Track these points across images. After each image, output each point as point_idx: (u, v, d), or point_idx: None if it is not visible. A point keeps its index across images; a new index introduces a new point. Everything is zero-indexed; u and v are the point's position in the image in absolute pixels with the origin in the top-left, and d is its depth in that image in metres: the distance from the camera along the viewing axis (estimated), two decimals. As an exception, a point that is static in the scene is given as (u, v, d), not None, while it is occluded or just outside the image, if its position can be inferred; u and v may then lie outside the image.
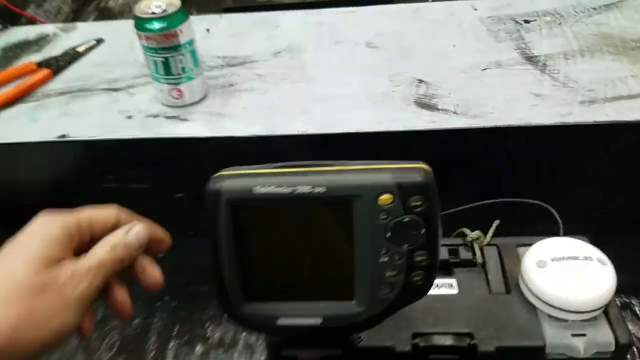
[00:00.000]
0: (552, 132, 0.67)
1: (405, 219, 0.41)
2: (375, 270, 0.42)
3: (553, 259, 0.53)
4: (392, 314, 0.45)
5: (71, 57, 0.87)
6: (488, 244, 0.61)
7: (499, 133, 0.67)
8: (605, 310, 0.52)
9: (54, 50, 0.90)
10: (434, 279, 0.44)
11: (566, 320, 0.51)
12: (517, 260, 0.58)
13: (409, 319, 0.53)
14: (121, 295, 0.40)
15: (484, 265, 0.59)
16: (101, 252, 0.36)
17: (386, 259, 0.42)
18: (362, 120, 0.71)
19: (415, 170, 0.40)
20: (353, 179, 0.41)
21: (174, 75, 0.72)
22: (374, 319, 0.45)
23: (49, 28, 0.98)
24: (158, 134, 0.72)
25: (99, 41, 0.92)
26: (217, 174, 0.42)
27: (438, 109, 0.70)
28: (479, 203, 0.67)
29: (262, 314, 0.45)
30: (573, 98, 0.69)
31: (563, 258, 0.53)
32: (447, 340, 0.51)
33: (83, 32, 0.96)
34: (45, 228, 0.36)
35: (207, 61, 0.84)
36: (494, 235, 0.62)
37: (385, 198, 0.40)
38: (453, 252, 0.61)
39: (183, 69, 0.72)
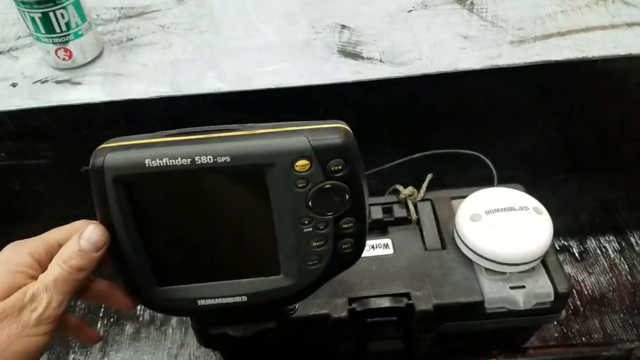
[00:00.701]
0: (482, 76, 0.62)
1: (327, 186, 0.37)
2: (300, 242, 0.38)
3: (487, 212, 0.51)
4: (324, 284, 0.41)
5: (-60, 16, 0.74)
6: (422, 200, 0.59)
7: (427, 81, 0.62)
8: (543, 260, 0.51)
9: None
10: (364, 245, 0.40)
11: (504, 273, 0.50)
12: (452, 213, 0.55)
13: (344, 284, 0.51)
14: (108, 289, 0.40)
15: (418, 222, 0.57)
16: (55, 268, 0.35)
17: (310, 229, 0.38)
18: (281, 73, 0.64)
19: (332, 130, 0.36)
20: (262, 145, 0.35)
21: (57, 33, 0.62)
22: (304, 291, 0.41)
23: None
24: (48, 102, 0.63)
25: None
26: (100, 146, 0.36)
27: (363, 58, 0.64)
28: (410, 157, 0.63)
29: (179, 297, 0.40)
30: (502, 38, 0.65)
31: (498, 210, 0.51)
32: (384, 302, 0.50)
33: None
34: (10, 258, 0.35)
35: (100, 14, 0.74)
36: (428, 189, 0.59)
37: (302, 164, 0.36)
38: (387, 210, 0.58)
39: (67, 25, 0.62)
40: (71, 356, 0.69)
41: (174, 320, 0.71)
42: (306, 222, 0.38)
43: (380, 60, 0.64)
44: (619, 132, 0.71)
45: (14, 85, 0.65)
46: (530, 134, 0.70)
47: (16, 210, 0.76)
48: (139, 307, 0.71)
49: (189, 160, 0.34)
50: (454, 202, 0.57)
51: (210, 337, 0.48)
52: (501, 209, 0.51)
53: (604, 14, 0.67)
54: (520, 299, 0.49)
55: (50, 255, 0.36)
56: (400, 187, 0.59)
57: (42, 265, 0.36)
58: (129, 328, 0.71)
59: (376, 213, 0.57)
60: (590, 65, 0.62)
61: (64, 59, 0.64)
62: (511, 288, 0.49)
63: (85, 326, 0.42)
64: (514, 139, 0.70)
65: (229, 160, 0.35)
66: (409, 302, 0.49)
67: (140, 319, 0.72)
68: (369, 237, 0.54)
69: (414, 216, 0.57)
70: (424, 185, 0.60)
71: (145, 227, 0.37)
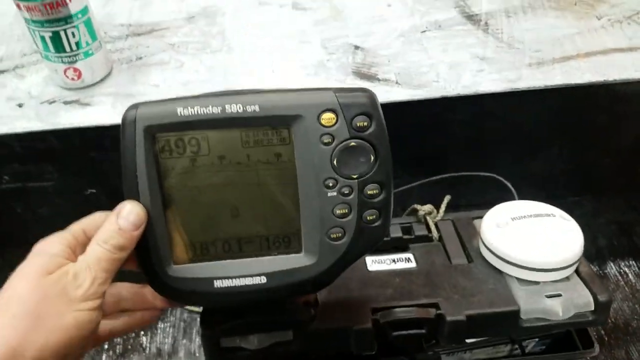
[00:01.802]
0: (501, 98, 0.60)
1: (352, 144, 0.36)
2: (324, 209, 0.37)
3: (514, 219, 0.48)
4: (347, 267, 0.38)
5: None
6: (442, 220, 0.56)
7: (445, 103, 0.60)
8: (577, 269, 0.47)
9: None
10: (390, 219, 0.38)
11: (537, 283, 0.46)
12: (475, 232, 0.52)
13: (365, 296, 0.47)
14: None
15: (440, 239, 0.54)
16: (96, 248, 0.35)
17: (334, 193, 0.36)
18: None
19: (359, 90, 0.37)
20: (291, 97, 0.36)
21: (67, 52, 0.59)
22: (327, 273, 0.38)
23: None
24: (56, 124, 0.60)
25: None
26: (133, 104, 0.36)
27: (378, 80, 0.63)
28: (427, 180, 0.61)
29: (195, 277, 0.37)
30: (520, 60, 0.64)
31: (524, 216, 0.48)
32: (411, 313, 0.45)
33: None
34: (43, 248, 0.35)
35: (108, 31, 0.71)
36: (446, 211, 0.57)
37: (328, 117, 0.36)
38: (406, 230, 0.55)
39: (78, 44, 0.59)
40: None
41: (181, 353, 0.68)
42: (330, 185, 0.37)
43: (397, 82, 0.62)
44: (635, 153, 0.70)
45: (20, 105, 0.63)
46: (546, 156, 0.69)
47: (18, 234, 0.73)
48: (144, 340, 0.69)
49: (219, 108, 0.35)
50: (476, 221, 0.54)
51: (221, 350, 0.44)
52: (528, 215, 0.48)
53: (621, 36, 0.66)
54: (559, 308, 0.45)
55: (77, 240, 0.36)
56: (418, 206, 0.57)
57: (73, 249, 0.36)
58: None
59: (395, 232, 0.54)
60: (610, 88, 0.60)
61: (72, 79, 0.62)
62: (547, 297, 0.45)
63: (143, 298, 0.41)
64: (530, 161, 0.69)
65: (258, 109, 0.35)
66: (439, 312, 0.45)
67: (147, 351, 0.69)
68: (389, 252, 0.52)
69: (435, 234, 0.54)
70: (443, 204, 0.58)
71: (168, 193, 0.36)
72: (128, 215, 0.35)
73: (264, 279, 0.37)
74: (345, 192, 0.37)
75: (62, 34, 0.58)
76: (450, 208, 0.59)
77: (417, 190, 0.61)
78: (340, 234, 0.37)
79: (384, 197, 0.37)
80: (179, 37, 0.70)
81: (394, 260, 0.51)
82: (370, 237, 0.38)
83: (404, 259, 0.51)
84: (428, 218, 0.56)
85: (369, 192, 0.37)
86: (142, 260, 0.37)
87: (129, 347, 0.69)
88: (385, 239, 0.53)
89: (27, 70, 0.67)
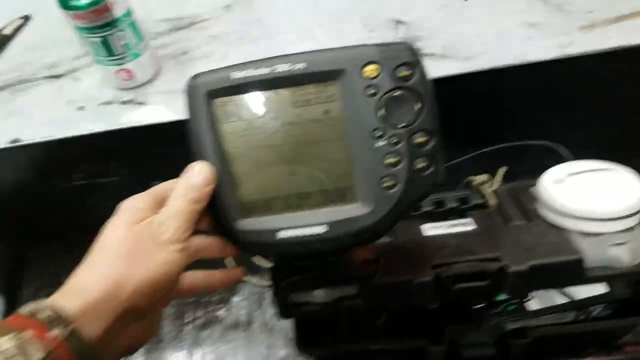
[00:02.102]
0: (552, 66, 0.58)
1: (396, 93, 0.38)
2: (375, 159, 0.39)
3: (571, 174, 0.47)
4: (403, 215, 0.40)
5: (-1, 42, 0.75)
6: (497, 189, 0.56)
7: (494, 74, 0.59)
8: None
9: (-24, 36, 0.77)
10: (442, 165, 0.39)
11: (601, 234, 0.45)
12: (532, 197, 0.52)
13: (425, 255, 0.47)
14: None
15: (497, 205, 0.54)
16: (174, 202, 0.39)
17: (383, 143, 0.38)
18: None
19: (398, 43, 0.38)
20: (334, 53, 0.38)
21: (117, 55, 0.61)
22: (383, 221, 0.39)
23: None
24: (116, 125, 0.63)
25: (26, 18, 0.78)
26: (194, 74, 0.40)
27: (424, 54, 0.61)
28: (480, 151, 0.61)
29: (260, 229, 0.40)
30: (572, 24, 0.61)
31: (582, 172, 0.47)
32: (472, 267, 0.45)
33: (4, 9, 0.82)
34: (129, 203, 0.40)
35: (150, 27, 0.73)
36: (502, 182, 0.57)
37: (371, 69, 0.38)
38: (462, 200, 0.55)
39: (126, 46, 0.61)
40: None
41: (256, 324, 0.72)
42: (378, 135, 0.38)
43: (443, 56, 0.61)
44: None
45: (81, 108, 0.66)
46: (603, 121, 0.67)
47: (91, 226, 0.77)
48: (222, 312, 0.73)
49: (269, 69, 0.38)
50: (533, 189, 0.53)
51: (291, 305, 0.47)
52: (585, 170, 0.47)
53: (680, -11, 0.63)
54: (625, 255, 0.44)
55: (157, 198, 0.41)
56: (472, 177, 0.58)
57: (154, 204, 0.40)
58: (217, 330, 0.72)
59: (451, 203, 0.55)
60: (669, 47, 0.57)
61: (125, 80, 0.65)
62: (611, 245, 0.44)
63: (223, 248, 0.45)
64: (586, 127, 0.67)
65: (305, 66, 0.38)
66: (501, 264, 0.45)
67: (226, 322, 0.73)
68: (445, 220, 0.53)
69: (492, 201, 0.54)
70: (498, 175, 0.58)
71: (230, 150, 0.40)
72: (198, 173, 0.39)
73: (323, 229, 0.40)
74: (394, 141, 0.38)
75: (110, 38, 0.60)
76: (506, 179, 0.59)
77: (471, 163, 0.62)
78: (392, 183, 0.39)
79: (433, 144, 0.38)
80: (219, 28, 0.71)
81: (451, 226, 0.51)
82: (423, 184, 0.39)
83: (460, 223, 0.52)
84: (483, 187, 0.56)
85: (418, 141, 0.38)
86: (214, 216, 0.41)
87: (210, 319, 0.74)
88: (440, 209, 0.54)
89: (82, 73, 0.70)
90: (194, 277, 0.45)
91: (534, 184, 0.52)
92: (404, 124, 0.38)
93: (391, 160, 0.38)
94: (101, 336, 0.35)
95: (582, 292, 0.54)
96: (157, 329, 0.42)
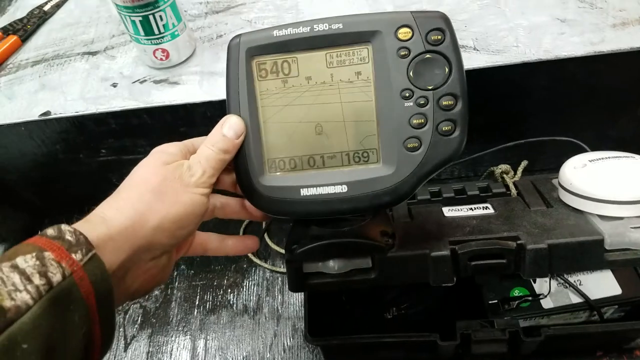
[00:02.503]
0: (583, 62, 0.59)
1: (427, 56, 0.40)
2: (401, 120, 0.40)
3: (592, 160, 0.48)
4: (425, 179, 0.41)
5: (38, 18, 0.78)
6: (519, 180, 0.57)
7: (525, 69, 0.60)
8: None
9: (17, 11, 0.80)
10: (466, 130, 0.41)
11: (621, 218, 0.45)
12: (553, 187, 0.53)
13: (443, 232, 0.48)
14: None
15: (519, 194, 0.55)
16: (204, 149, 0.42)
17: (411, 103, 0.40)
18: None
19: (431, 11, 0.41)
20: (370, 17, 0.41)
21: (155, 34, 0.63)
22: (405, 183, 0.41)
23: (7, -16, 0.86)
24: (148, 102, 0.65)
25: None
26: (237, 34, 0.43)
27: None
28: (504, 145, 0.62)
29: (284, 185, 0.42)
30: (604, 21, 0.62)
31: (603, 158, 0.48)
32: (490, 244, 0.45)
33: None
34: (162, 147, 0.42)
35: (188, 9, 0.75)
36: (524, 175, 0.58)
37: (405, 32, 0.40)
38: (484, 189, 0.57)
39: (165, 26, 0.63)
40: (170, 345, 0.72)
41: (265, 309, 0.73)
42: (407, 95, 0.40)
43: (475, 48, 0.62)
44: None
45: (114, 85, 0.68)
46: (628, 120, 0.67)
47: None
48: (231, 296, 0.74)
49: (308, 28, 0.41)
50: (554, 180, 0.54)
51: (304, 276, 0.47)
52: (606, 157, 0.48)
53: None
54: None
55: (187, 147, 0.43)
56: (494, 168, 0.59)
57: (184, 152, 0.43)
58: (224, 316, 0.74)
59: (472, 190, 0.56)
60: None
61: (161, 59, 0.66)
62: (632, 228, 0.44)
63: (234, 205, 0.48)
64: (612, 125, 0.68)
65: (342, 27, 0.40)
66: (519, 242, 0.45)
67: (234, 307, 0.75)
68: (467, 204, 0.55)
69: (513, 190, 0.55)
70: (520, 167, 0.59)
71: (263, 110, 0.42)
72: (232, 125, 0.42)
73: (345, 188, 0.41)
74: (421, 102, 0.40)
75: (151, 17, 0.62)
76: (527, 173, 0.59)
77: (495, 155, 0.62)
78: (416, 144, 0.40)
79: (459, 109, 0.40)
80: (255, 13, 0.73)
81: (471, 209, 0.53)
82: (447, 148, 0.40)
83: (481, 207, 0.53)
84: (505, 176, 0.57)
85: (444, 103, 0.40)
86: (239, 169, 0.43)
87: (218, 303, 0.75)
88: (462, 195, 0.55)
89: (117, 51, 0.72)
90: (208, 237, 0.48)
91: (555, 177, 0.54)
92: (432, 86, 0.40)
93: (417, 121, 0.40)
94: (118, 267, 0.36)
95: (596, 292, 0.55)
96: (167, 274, 0.44)
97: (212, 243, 0.48)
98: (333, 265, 0.46)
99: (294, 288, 0.48)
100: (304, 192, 0.41)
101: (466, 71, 0.60)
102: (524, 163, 0.61)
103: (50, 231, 0.34)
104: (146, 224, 0.37)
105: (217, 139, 0.42)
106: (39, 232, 0.34)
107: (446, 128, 0.40)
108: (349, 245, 0.44)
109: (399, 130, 0.40)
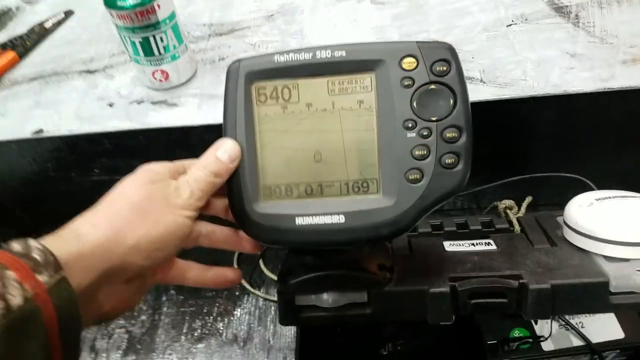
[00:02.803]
0: (593, 98, 0.58)
1: (432, 87, 0.39)
2: (403, 151, 0.39)
3: (599, 199, 0.47)
4: (426, 212, 0.40)
5: (38, 34, 0.77)
6: (523, 216, 0.56)
7: (533, 103, 0.59)
8: None
9: (17, 27, 0.80)
10: (469, 164, 0.39)
11: (627, 260, 0.43)
12: (558, 225, 0.51)
13: (443, 267, 0.46)
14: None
15: (522, 230, 0.53)
16: (196, 170, 0.41)
17: (413, 134, 0.39)
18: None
19: (437, 42, 0.40)
20: (375, 46, 0.41)
21: (155, 56, 0.63)
22: (405, 215, 0.39)
23: (9, 1, 0.86)
24: (144, 124, 0.65)
25: (68, 14, 0.82)
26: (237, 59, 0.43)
27: None
28: (508, 179, 0.61)
29: (278, 213, 0.41)
30: (614, 57, 0.61)
31: (610, 197, 0.47)
32: (492, 282, 0.44)
33: (49, 3, 0.85)
34: (147, 166, 0.41)
35: (191, 31, 0.75)
36: (528, 211, 0.57)
37: (409, 62, 0.39)
38: (487, 224, 0.55)
39: (166, 48, 0.62)
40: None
41: (256, 339, 0.71)
42: (410, 126, 0.39)
43: (481, 81, 0.61)
44: None
45: (111, 105, 0.67)
46: (636, 156, 0.66)
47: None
48: (220, 325, 0.71)
49: (310, 54, 0.40)
50: (559, 218, 0.52)
51: (296, 309, 0.45)
52: (613, 197, 0.47)
53: None
54: None
55: (179, 171, 0.42)
56: (498, 203, 0.58)
57: (172, 173, 0.41)
58: (212, 345, 0.72)
59: (474, 225, 0.55)
60: None
61: (160, 80, 0.65)
62: (639, 270, 0.42)
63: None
64: (619, 163, 0.66)
65: (345, 54, 0.40)
66: (522, 281, 0.43)
67: (224, 336, 0.72)
68: (469, 239, 0.53)
69: (516, 226, 0.54)
70: (525, 203, 0.58)
71: (261, 135, 0.41)
72: (227, 149, 0.40)
73: (342, 218, 0.40)
74: (424, 133, 0.39)
75: (152, 39, 0.61)
76: (531, 209, 0.58)
77: (499, 189, 0.61)
78: (418, 176, 0.39)
79: (463, 141, 0.39)
80: (259, 37, 0.73)
81: (473, 244, 0.51)
82: (449, 181, 0.39)
83: (483, 243, 0.51)
84: (509, 212, 0.55)
85: (448, 135, 0.39)
86: (232, 194, 0.42)
87: (207, 332, 0.73)
88: (464, 230, 0.53)
89: (116, 70, 0.72)
90: (187, 266, 0.46)
91: (560, 214, 0.52)
92: (436, 117, 0.39)
93: (420, 152, 0.39)
94: (88, 287, 0.34)
95: (598, 335, 0.54)
96: (138, 299, 0.42)
97: (191, 272, 0.45)
98: (327, 299, 0.44)
99: (285, 321, 0.46)
100: (300, 220, 0.40)
101: (472, 104, 0.60)
102: (528, 199, 0.60)
103: (16, 246, 0.32)
104: (122, 242, 0.36)
105: (210, 162, 0.40)
106: (1, 246, 0.32)
107: (449, 161, 0.39)
108: (344, 277, 0.43)
109: (400, 161, 0.39)
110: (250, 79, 0.41)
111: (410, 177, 0.39)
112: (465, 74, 0.62)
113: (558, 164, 0.63)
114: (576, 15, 0.67)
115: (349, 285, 0.44)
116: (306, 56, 0.40)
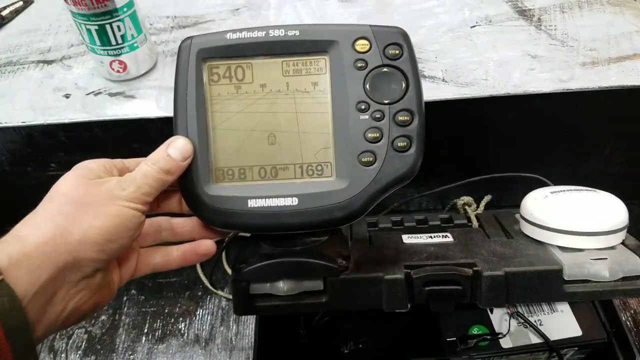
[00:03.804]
0: (551, 99, 0.59)
1: (384, 69, 0.40)
2: (356, 133, 0.40)
3: (554, 192, 0.48)
4: (379, 198, 0.40)
5: (-7, 23, 0.73)
6: (482, 213, 0.58)
7: (492, 102, 0.59)
8: (623, 242, 0.45)
9: (-28, 15, 0.76)
10: (422, 149, 0.40)
11: (581, 250, 0.44)
12: (515, 221, 0.52)
13: (399, 257, 0.46)
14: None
15: (480, 226, 0.54)
16: (144, 166, 0.39)
17: (366, 116, 0.40)
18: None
19: (390, 26, 0.41)
20: (328, 27, 0.41)
21: (112, 45, 0.61)
22: (358, 199, 0.39)
23: (-36, -13, 0.83)
24: (101, 115, 0.62)
25: (27, 2, 0.80)
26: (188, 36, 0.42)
27: (425, 76, 0.63)
28: (468, 180, 0.62)
29: (231, 195, 0.40)
30: (574, 59, 0.62)
31: (565, 191, 0.48)
32: (446, 269, 0.44)
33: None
34: (82, 164, 0.39)
35: (154, 22, 0.74)
36: (488, 208, 0.59)
37: (362, 44, 0.40)
38: (445, 220, 0.56)
39: (123, 37, 0.61)
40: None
41: (219, 339, 0.70)
42: (363, 108, 0.40)
43: (443, 80, 0.61)
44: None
45: (67, 96, 0.65)
46: (596, 159, 0.68)
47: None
48: (182, 325, 0.70)
49: (263, 33, 0.40)
50: (517, 215, 0.53)
51: (250, 298, 0.45)
52: (568, 190, 0.47)
53: (682, 35, 0.63)
54: (605, 270, 0.42)
55: (118, 168, 0.41)
56: (457, 200, 0.60)
57: (110, 170, 0.40)
58: (173, 345, 0.70)
59: (434, 221, 0.55)
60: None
61: (118, 71, 0.64)
62: (592, 260, 0.43)
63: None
64: (578, 163, 0.67)
65: (298, 34, 0.40)
66: (476, 268, 0.44)
67: (185, 336, 0.71)
68: (427, 233, 0.53)
69: (474, 222, 0.55)
70: (483, 202, 0.58)
71: (213, 117, 0.41)
72: (178, 146, 0.40)
73: (295, 201, 0.40)
74: (377, 116, 0.40)
75: (108, 27, 0.60)
76: (492, 208, 0.58)
77: (460, 190, 0.61)
78: (371, 159, 0.40)
79: (415, 125, 0.40)
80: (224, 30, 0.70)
81: (430, 237, 0.52)
82: (401, 165, 0.40)
83: (441, 236, 0.52)
84: (468, 209, 0.56)
85: (401, 119, 0.40)
86: (184, 178, 0.41)
87: (168, 332, 0.72)
88: (423, 225, 0.53)
89: (74, 61, 0.70)
90: (150, 253, 0.44)
91: (518, 212, 0.53)
92: (389, 101, 0.40)
93: (373, 134, 0.39)
94: (41, 289, 0.33)
95: (557, 333, 0.55)
96: (108, 295, 0.40)
97: (155, 258, 0.44)
98: (282, 287, 0.43)
99: (239, 310, 0.45)
100: (252, 203, 0.39)
101: (434, 102, 0.60)
102: (487, 197, 0.61)
103: None
104: (69, 238, 0.34)
105: (159, 158, 0.39)
106: None
107: (402, 144, 0.39)
108: (299, 265, 0.42)
109: (354, 144, 0.39)
110: (203, 57, 0.40)
111: (364, 160, 0.39)
112: (428, 73, 0.64)
113: (522, 165, 0.64)
114: (539, 19, 0.68)
115: (305, 272, 0.43)
116: (259, 34, 0.40)
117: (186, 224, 0.44)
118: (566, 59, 0.62)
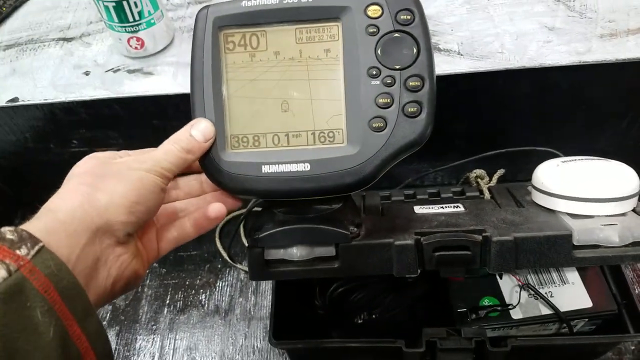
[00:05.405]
0: (568, 72, 0.59)
1: (396, 35, 0.40)
2: (367, 99, 0.41)
3: (565, 162, 0.48)
4: (390, 163, 0.41)
5: (15, 0, 0.74)
6: (494, 185, 0.58)
7: (508, 76, 0.59)
8: (634, 209, 0.45)
9: (-7, -7, 0.78)
10: (432, 114, 0.41)
11: (591, 217, 0.44)
12: (527, 192, 0.53)
13: (410, 225, 0.47)
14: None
15: (492, 197, 0.55)
16: (166, 144, 0.40)
17: (377, 82, 0.41)
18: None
19: None
20: None
21: (130, 22, 0.62)
22: (368, 164, 0.40)
23: (-15, -34, 0.84)
24: (120, 92, 0.64)
25: None
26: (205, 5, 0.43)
27: (439, 49, 0.63)
28: (483, 155, 0.61)
29: (245, 161, 0.42)
30: (591, 31, 0.62)
31: (576, 160, 0.48)
32: (456, 236, 0.45)
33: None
34: (93, 154, 0.40)
35: None
36: (502, 182, 0.59)
37: (374, 9, 0.40)
38: (458, 193, 0.57)
39: (140, 14, 0.62)
40: (138, 343, 0.71)
41: (237, 310, 0.72)
42: (374, 74, 0.40)
43: (459, 53, 0.62)
44: None
45: (87, 73, 0.67)
46: (613, 132, 0.67)
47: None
48: (202, 296, 0.72)
49: (277, 0, 0.41)
50: (530, 187, 0.53)
51: (265, 263, 0.46)
52: (579, 159, 0.48)
53: None
54: (615, 235, 0.43)
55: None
56: (469, 173, 0.60)
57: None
58: (194, 316, 0.73)
59: (446, 193, 0.57)
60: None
61: (135, 48, 0.65)
62: (602, 225, 0.43)
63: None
64: (595, 136, 0.68)
65: (311, 0, 0.41)
66: (485, 234, 0.44)
67: (205, 307, 0.74)
68: (438, 204, 0.55)
69: (486, 194, 0.55)
70: (496, 175, 0.59)
71: (228, 85, 0.42)
72: (201, 128, 0.41)
73: (307, 166, 0.41)
74: (388, 81, 0.40)
75: (125, 4, 0.61)
76: (506, 182, 0.58)
77: (474, 165, 0.62)
78: (382, 124, 0.40)
79: (426, 91, 0.40)
80: (239, 5, 0.71)
81: (442, 207, 0.53)
82: (412, 130, 0.40)
83: (452, 206, 0.53)
84: (480, 181, 0.56)
85: (411, 84, 0.40)
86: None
87: (189, 303, 0.75)
88: (436, 198, 0.55)
89: (93, 38, 0.72)
90: (167, 231, 0.44)
91: (530, 184, 0.54)
92: (400, 66, 0.40)
93: (383, 100, 0.40)
94: (82, 254, 0.34)
95: (567, 304, 0.55)
96: (143, 265, 0.41)
97: (172, 233, 0.45)
98: (296, 252, 0.45)
99: (255, 275, 0.47)
100: (266, 169, 0.41)
101: (449, 75, 0.60)
102: (500, 171, 0.61)
103: None
104: (96, 203, 0.36)
105: (183, 138, 0.41)
106: None
107: (412, 109, 0.40)
108: (312, 231, 0.44)
109: (365, 110, 0.40)
110: (218, 25, 0.41)
111: (374, 126, 0.40)
112: (444, 46, 0.64)
113: (537, 138, 0.64)
114: (557, -10, 0.67)
115: (317, 238, 0.45)
116: (273, 1, 0.41)
117: (192, 179, 0.46)
118: (584, 31, 0.62)
